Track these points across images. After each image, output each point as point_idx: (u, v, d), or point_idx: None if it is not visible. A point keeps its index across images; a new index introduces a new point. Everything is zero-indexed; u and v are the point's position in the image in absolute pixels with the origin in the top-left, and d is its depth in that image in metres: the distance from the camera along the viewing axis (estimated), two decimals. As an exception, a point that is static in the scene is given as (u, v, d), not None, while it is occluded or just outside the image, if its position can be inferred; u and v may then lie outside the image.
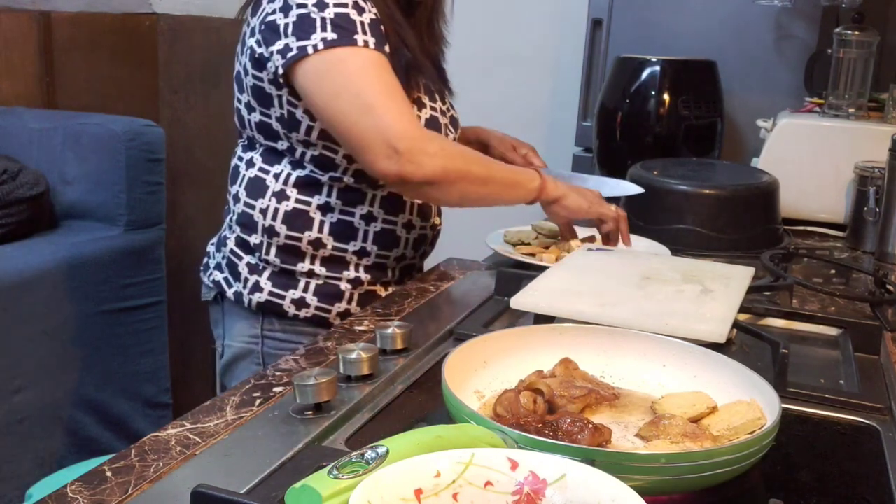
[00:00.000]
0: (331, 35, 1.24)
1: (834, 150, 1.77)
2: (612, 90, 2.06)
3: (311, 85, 1.27)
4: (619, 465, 0.67)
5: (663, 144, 1.99)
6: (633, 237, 1.49)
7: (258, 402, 0.90)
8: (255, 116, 1.36)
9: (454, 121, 1.50)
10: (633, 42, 2.20)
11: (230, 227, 1.45)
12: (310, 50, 1.24)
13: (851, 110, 1.85)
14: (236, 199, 1.42)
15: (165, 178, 2.53)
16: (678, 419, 0.81)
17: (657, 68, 2.00)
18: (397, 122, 1.24)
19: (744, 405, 0.83)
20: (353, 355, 0.94)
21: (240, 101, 1.39)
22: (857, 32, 1.86)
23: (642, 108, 2.00)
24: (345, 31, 1.24)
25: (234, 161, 1.44)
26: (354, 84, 1.24)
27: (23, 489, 2.05)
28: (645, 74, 2.01)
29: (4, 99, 2.60)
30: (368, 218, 1.39)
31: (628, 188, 1.61)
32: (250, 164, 1.40)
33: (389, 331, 1.03)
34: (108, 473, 0.76)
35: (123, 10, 2.92)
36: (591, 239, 1.45)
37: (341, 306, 1.40)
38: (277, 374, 0.98)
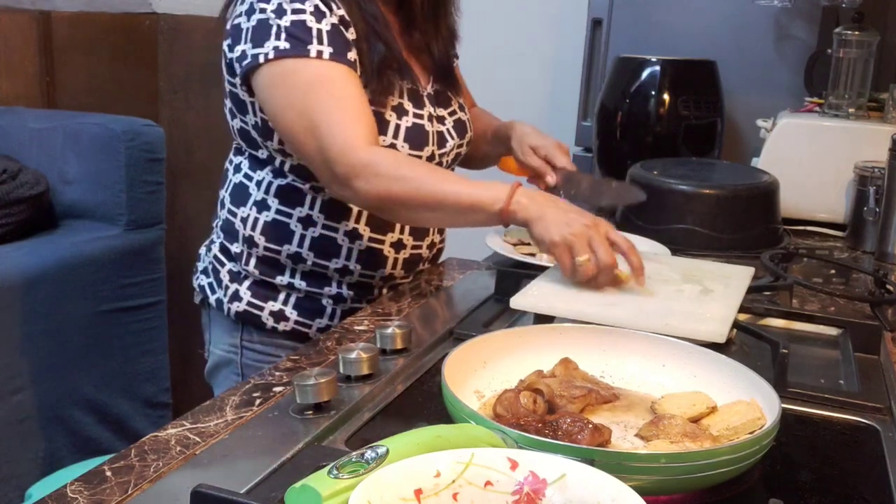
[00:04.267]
0: (283, 44, 1.19)
1: (834, 150, 1.77)
2: (612, 90, 2.06)
3: (262, 95, 1.23)
4: (618, 465, 0.67)
5: (663, 144, 1.99)
6: (633, 237, 1.49)
7: (258, 402, 0.90)
8: (237, 123, 1.33)
9: (460, 125, 1.41)
10: (633, 42, 2.20)
11: (216, 232, 1.42)
12: (261, 59, 1.20)
13: (851, 110, 1.84)
14: (222, 204, 1.40)
15: (165, 178, 2.53)
16: (678, 419, 0.81)
17: (657, 68, 1.99)
18: (336, 145, 1.17)
19: (743, 405, 0.83)
20: (353, 355, 0.94)
21: (225, 105, 1.34)
22: (857, 32, 1.85)
23: (642, 108, 2.00)
24: (298, 40, 1.19)
25: (226, 163, 1.42)
26: (302, 99, 1.19)
27: (23, 489, 2.05)
28: (645, 74, 2.00)
29: (4, 99, 2.60)
30: (353, 235, 1.32)
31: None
32: (238, 169, 1.37)
33: (389, 331, 1.02)
34: (108, 473, 0.76)
35: (123, 9, 2.92)
36: None
37: (322, 322, 1.36)
38: (277, 374, 0.98)
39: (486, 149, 1.56)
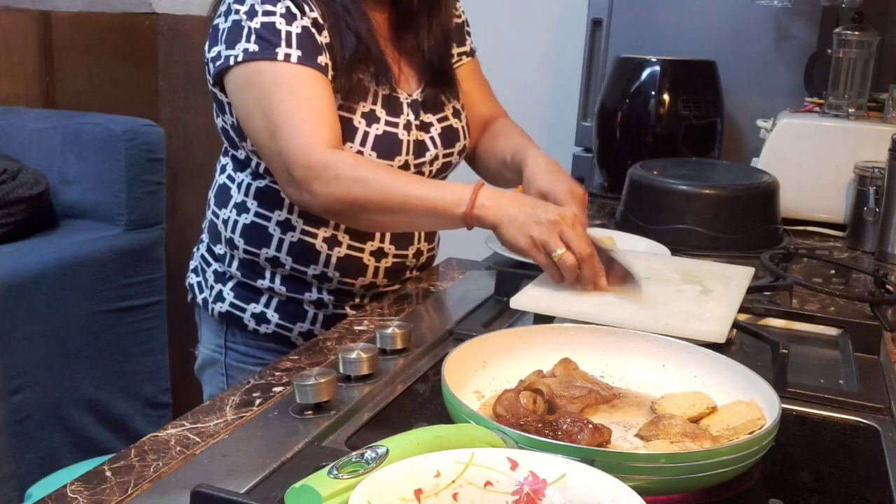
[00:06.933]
0: (252, 46, 1.18)
1: (834, 150, 1.77)
2: (612, 90, 2.06)
3: (232, 96, 1.23)
4: (618, 465, 0.67)
5: (663, 144, 1.99)
6: (633, 237, 1.49)
7: (258, 402, 0.90)
8: (219, 122, 1.32)
9: (449, 133, 1.36)
10: (633, 42, 2.20)
11: (204, 232, 1.42)
12: (231, 61, 1.19)
13: (851, 110, 1.84)
14: (208, 204, 1.39)
15: (165, 178, 2.53)
16: (678, 419, 0.81)
17: (657, 68, 1.99)
18: (295, 148, 1.14)
19: (743, 405, 0.83)
20: (353, 355, 0.94)
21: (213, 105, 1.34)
22: (857, 32, 1.85)
23: (642, 108, 2.00)
24: (266, 42, 1.18)
25: (216, 163, 1.41)
26: (265, 101, 1.17)
27: (23, 489, 2.05)
28: (645, 74, 2.01)
29: (4, 99, 2.60)
30: (332, 242, 1.29)
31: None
32: (223, 169, 1.37)
33: (389, 331, 1.02)
34: (108, 473, 0.76)
35: (123, 9, 2.92)
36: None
37: (304, 326, 1.34)
38: (277, 374, 0.98)
39: (506, 173, 1.42)
